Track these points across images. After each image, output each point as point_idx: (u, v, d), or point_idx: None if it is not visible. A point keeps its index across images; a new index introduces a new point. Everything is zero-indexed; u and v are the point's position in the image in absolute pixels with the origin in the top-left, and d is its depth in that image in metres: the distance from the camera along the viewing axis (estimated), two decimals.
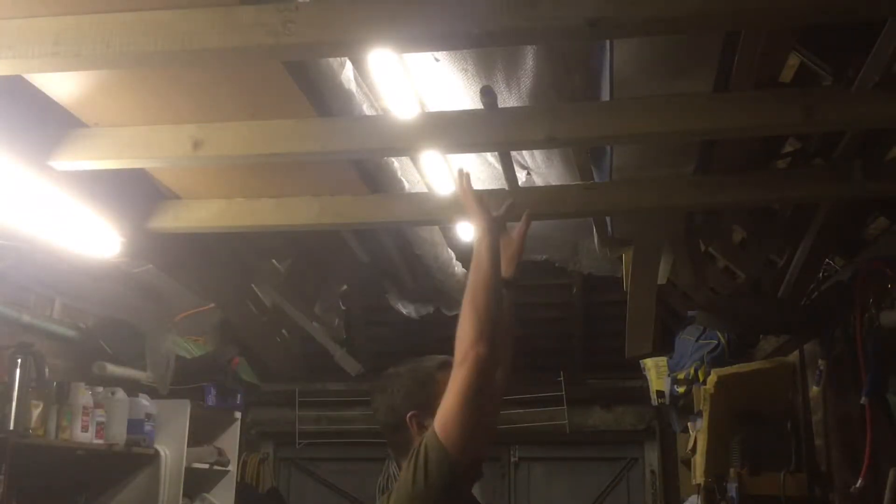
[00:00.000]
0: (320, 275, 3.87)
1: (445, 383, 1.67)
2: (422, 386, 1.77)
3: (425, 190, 2.89)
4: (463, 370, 1.57)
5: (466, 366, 1.56)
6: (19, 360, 3.14)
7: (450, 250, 3.73)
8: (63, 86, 2.10)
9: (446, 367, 1.72)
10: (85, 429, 3.44)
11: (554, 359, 5.48)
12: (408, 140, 2.19)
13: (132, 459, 3.83)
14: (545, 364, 5.41)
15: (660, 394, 4.15)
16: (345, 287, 4.21)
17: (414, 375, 1.81)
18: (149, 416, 3.83)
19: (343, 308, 4.29)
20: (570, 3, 1.56)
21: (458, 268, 3.84)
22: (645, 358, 4.21)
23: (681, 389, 3.83)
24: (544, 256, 4.26)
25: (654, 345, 3.74)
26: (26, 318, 3.44)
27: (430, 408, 1.70)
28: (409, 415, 1.73)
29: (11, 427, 3.02)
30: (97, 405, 3.55)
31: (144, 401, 3.83)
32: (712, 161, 2.48)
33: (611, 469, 5.58)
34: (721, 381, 3.30)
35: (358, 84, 2.22)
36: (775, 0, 1.54)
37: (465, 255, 3.81)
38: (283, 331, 4.16)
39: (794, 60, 2.37)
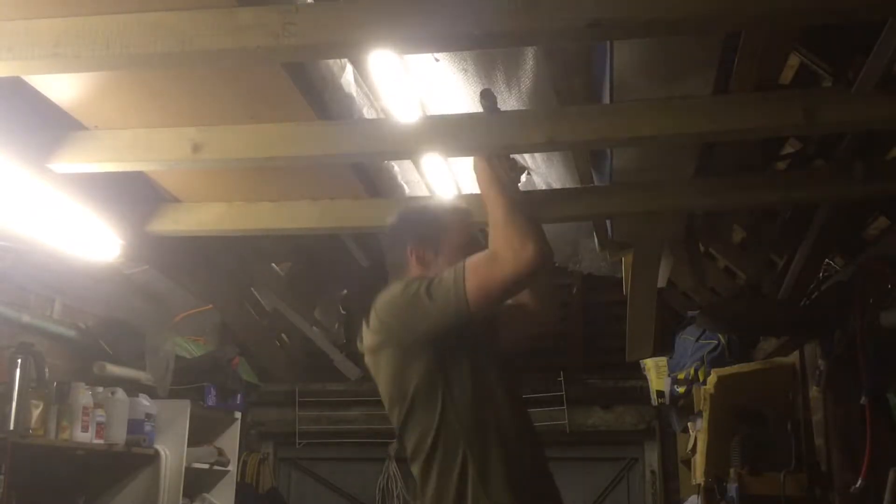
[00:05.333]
0: (320, 279, 3.87)
1: (452, 223, 1.82)
2: (433, 225, 1.87)
3: (425, 193, 2.89)
4: (518, 263, 1.61)
5: (523, 263, 1.61)
6: (19, 360, 3.14)
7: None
8: (63, 88, 2.10)
9: (455, 210, 1.87)
10: (85, 429, 3.44)
11: (554, 359, 5.47)
12: (408, 144, 2.19)
13: (132, 459, 3.83)
14: (545, 364, 5.41)
15: (660, 394, 4.15)
16: (344, 291, 4.21)
17: (421, 212, 1.95)
18: (149, 416, 3.84)
19: (343, 312, 4.28)
20: (571, 4, 1.56)
21: None
22: (645, 358, 4.21)
23: (681, 389, 3.83)
24: None
25: (654, 347, 3.74)
26: (26, 318, 3.44)
27: (431, 242, 1.82)
28: (410, 247, 1.83)
29: (11, 427, 3.02)
30: (97, 405, 3.55)
31: (144, 401, 3.83)
32: (713, 163, 2.48)
33: (611, 469, 5.57)
34: (721, 382, 3.30)
35: (358, 85, 2.22)
36: (775, 1, 1.54)
37: None
38: (283, 335, 4.16)
39: (794, 61, 2.37)
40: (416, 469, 1.76)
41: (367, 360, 1.82)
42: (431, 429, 1.68)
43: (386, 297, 1.75)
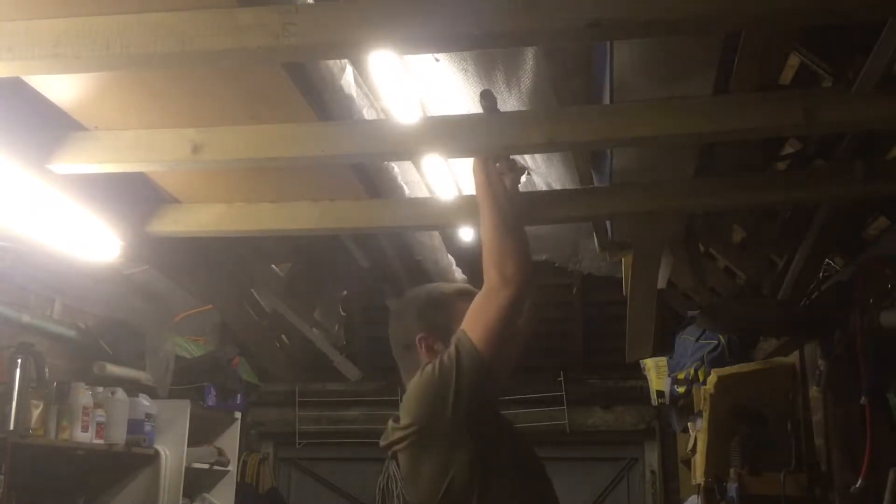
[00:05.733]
0: (320, 280, 3.87)
1: (462, 311, 1.71)
2: (436, 309, 1.80)
3: (425, 194, 2.89)
4: (507, 291, 1.62)
5: (511, 288, 1.62)
6: (19, 360, 3.14)
7: (450, 256, 3.73)
8: (63, 88, 2.10)
9: (465, 295, 1.76)
10: (85, 429, 3.44)
11: (554, 359, 5.47)
12: (408, 144, 2.19)
13: (132, 459, 3.84)
14: (545, 364, 5.41)
15: (660, 394, 4.15)
16: (345, 292, 4.21)
17: (430, 298, 1.85)
18: (149, 416, 3.84)
19: (343, 313, 4.28)
20: (571, 4, 1.56)
21: (459, 273, 3.84)
22: (645, 358, 4.21)
23: (681, 389, 3.83)
24: (544, 256, 4.26)
25: (654, 347, 3.75)
26: (26, 318, 3.44)
27: (441, 331, 1.74)
28: (419, 336, 1.76)
29: (11, 427, 3.02)
30: (97, 405, 3.55)
31: (144, 401, 3.84)
32: (713, 163, 2.48)
33: (611, 469, 5.58)
34: (721, 382, 3.30)
35: (358, 86, 2.22)
36: (775, 1, 1.54)
37: (465, 261, 3.81)
38: (283, 336, 4.15)
39: (794, 61, 2.37)
40: None
41: (402, 461, 1.72)
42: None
43: (409, 392, 1.69)
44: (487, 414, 1.67)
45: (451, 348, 1.62)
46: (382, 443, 1.73)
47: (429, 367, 1.64)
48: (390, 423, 1.72)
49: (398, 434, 1.67)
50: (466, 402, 1.59)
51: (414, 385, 1.67)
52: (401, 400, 1.73)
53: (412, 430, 1.64)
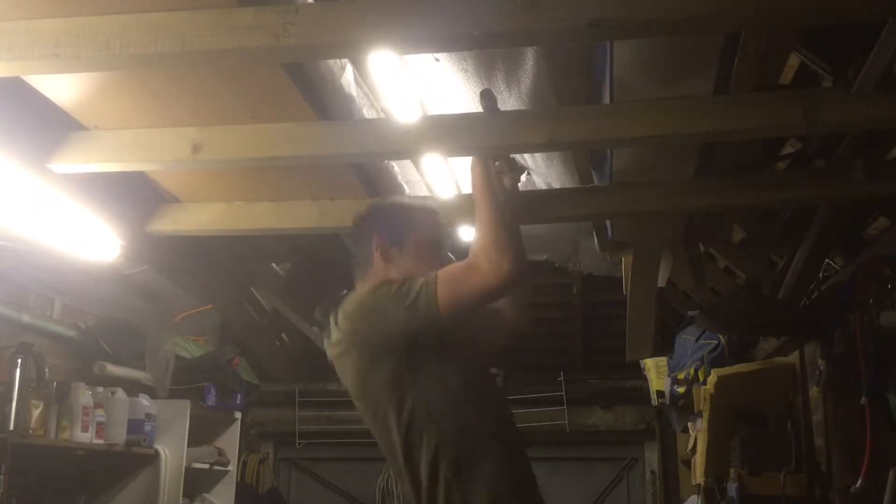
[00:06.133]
0: (320, 279, 3.87)
1: (419, 221, 1.82)
2: (392, 215, 1.88)
3: (425, 193, 2.89)
4: (488, 277, 1.63)
5: (498, 277, 1.63)
6: (19, 360, 3.14)
7: (450, 254, 3.72)
8: (63, 88, 2.10)
9: (423, 209, 1.86)
10: (85, 429, 3.44)
11: (554, 359, 5.47)
12: (408, 144, 2.19)
13: (132, 459, 3.83)
14: (545, 364, 5.41)
15: (660, 394, 4.15)
16: (345, 291, 4.20)
17: (389, 205, 1.95)
18: (149, 416, 3.84)
19: None
20: (571, 4, 1.56)
21: None
22: (645, 358, 4.21)
23: (681, 389, 3.82)
24: (544, 256, 4.26)
25: (654, 347, 3.74)
26: (26, 318, 3.44)
27: (396, 235, 1.81)
28: (375, 236, 1.82)
29: (11, 427, 3.02)
30: (97, 405, 3.55)
31: (144, 401, 3.83)
32: (713, 163, 2.48)
33: (611, 469, 5.57)
34: (721, 382, 3.30)
35: (358, 86, 2.22)
36: (776, 1, 1.54)
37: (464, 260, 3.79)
38: (283, 335, 4.16)
39: (794, 61, 2.37)
40: (393, 468, 1.76)
41: (335, 361, 1.81)
42: (402, 427, 1.68)
43: (355, 300, 1.76)
44: (430, 356, 1.70)
45: (416, 285, 1.65)
46: (327, 348, 1.81)
47: (386, 286, 1.70)
48: (331, 325, 1.79)
49: (339, 340, 1.75)
50: (403, 341, 1.67)
51: (366, 296, 1.73)
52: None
53: (350, 340, 1.72)
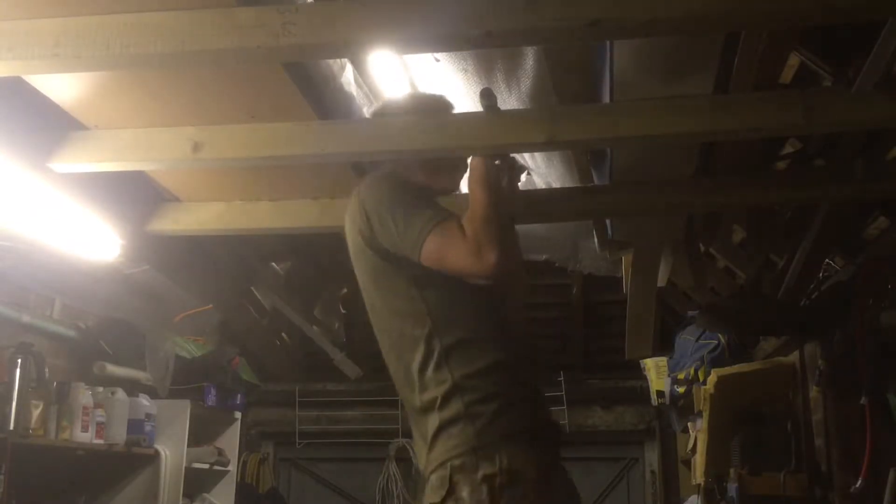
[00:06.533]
0: (320, 278, 3.86)
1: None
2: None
3: None
4: (470, 259, 1.64)
5: (476, 260, 1.64)
6: (19, 360, 3.14)
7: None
8: (63, 87, 2.10)
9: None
10: (85, 429, 3.44)
11: (554, 359, 5.48)
12: (408, 143, 2.18)
13: (132, 459, 3.83)
14: (545, 364, 5.41)
15: (660, 394, 4.15)
16: (345, 290, 4.20)
17: (421, 101, 2.03)
18: (149, 416, 3.84)
19: (343, 311, 4.28)
20: (570, 3, 1.56)
21: None
22: (645, 358, 4.21)
23: (681, 389, 3.83)
24: (544, 256, 4.26)
25: (654, 347, 3.74)
26: (26, 318, 3.44)
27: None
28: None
29: (11, 427, 3.02)
30: (97, 405, 3.55)
31: (144, 401, 3.83)
32: (713, 163, 2.48)
33: (611, 469, 5.58)
34: (721, 381, 3.30)
35: (358, 85, 2.22)
36: (776, 1, 1.54)
37: None
38: (283, 334, 4.15)
39: (794, 61, 2.37)
40: (392, 367, 1.78)
41: (353, 255, 1.83)
42: (408, 317, 1.71)
43: (374, 196, 1.77)
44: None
45: (418, 220, 1.67)
46: (351, 244, 1.82)
47: (400, 193, 1.76)
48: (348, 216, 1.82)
49: (354, 228, 1.78)
50: (388, 248, 1.71)
51: (383, 198, 1.74)
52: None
53: (366, 233, 1.74)
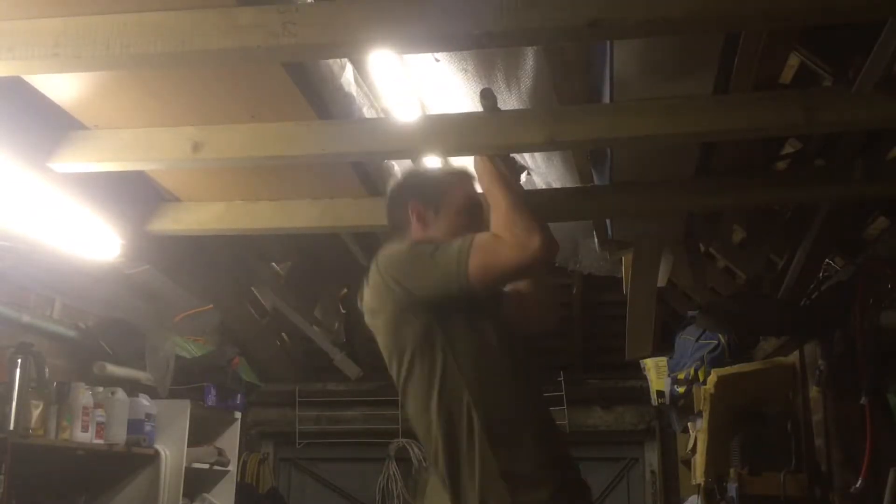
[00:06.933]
0: (320, 278, 3.87)
1: (453, 184, 1.84)
2: (427, 181, 1.91)
3: None
4: (518, 248, 1.64)
5: (524, 247, 1.64)
6: (19, 360, 3.14)
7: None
8: (63, 87, 2.10)
9: (456, 172, 1.87)
10: (85, 429, 3.44)
11: (554, 359, 5.48)
12: (408, 143, 2.19)
13: (132, 459, 3.83)
14: (545, 364, 5.41)
15: (660, 394, 4.15)
16: (345, 290, 4.21)
17: (422, 172, 1.99)
18: (149, 416, 3.84)
19: (343, 311, 4.28)
20: (570, 3, 1.56)
21: None
22: (645, 358, 4.21)
23: (681, 389, 3.82)
24: None
25: (654, 346, 3.74)
26: (26, 318, 3.44)
27: (434, 205, 1.82)
28: (410, 202, 1.84)
29: (11, 427, 3.02)
30: (97, 405, 3.55)
31: (144, 401, 3.83)
32: (712, 163, 2.47)
33: (611, 469, 5.58)
34: (721, 381, 3.30)
35: (358, 85, 2.22)
36: (776, 1, 1.54)
37: None
38: (283, 334, 4.16)
39: (794, 61, 2.37)
40: (420, 430, 1.75)
41: (367, 318, 1.82)
42: (434, 383, 1.69)
43: (389, 255, 1.76)
44: (462, 318, 1.71)
45: (452, 248, 1.66)
46: (360, 305, 1.83)
47: (422, 245, 1.72)
48: (364, 282, 1.79)
49: (371, 297, 1.76)
50: (437, 299, 1.68)
51: (402, 251, 1.74)
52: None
53: (383, 296, 1.73)
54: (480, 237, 1.67)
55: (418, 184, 1.91)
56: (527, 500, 1.63)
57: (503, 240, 1.66)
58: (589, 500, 1.84)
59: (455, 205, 1.87)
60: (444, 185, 1.87)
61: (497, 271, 1.66)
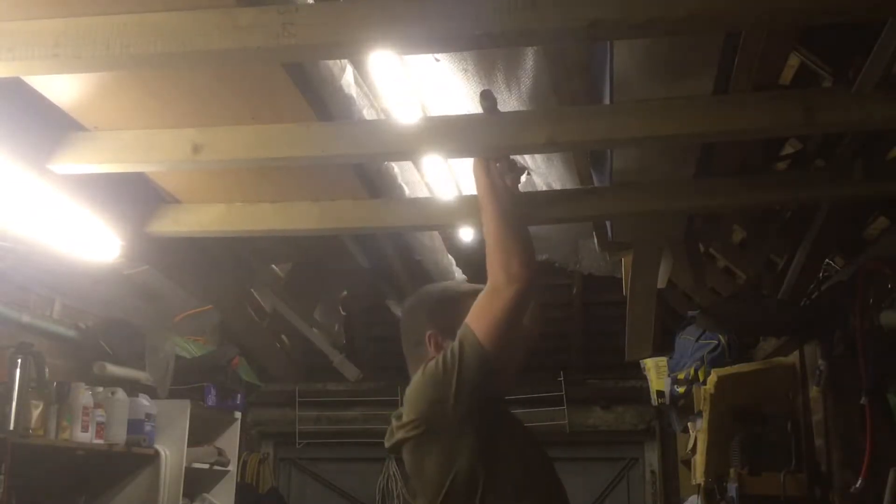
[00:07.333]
0: (320, 280, 3.86)
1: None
2: (447, 307, 1.82)
3: (426, 194, 2.89)
4: (512, 288, 1.63)
5: (516, 285, 1.63)
6: (19, 360, 3.14)
7: (450, 256, 3.73)
8: (63, 88, 2.10)
9: (475, 294, 1.76)
10: (85, 429, 3.44)
11: (554, 359, 5.48)
12: (408, 144, 2.19)
13: (132, 459, 3.83)
14: (545, 364, 5.41)
15: (660, 394, 4.15)
16: (345, 292, 4.21)
17: (442, 296, 1.88)
18: (149, 416, 3.84)
19: (343, 313, 4.28)
20: (571, 3, 1.56)
21: (459, 273, 3.84)
22: (645, 358, 4.21)
23: (681, 389, 3.82)
24: (544, 256, 4.26)
25: (654, 347, 3.74)
26: (26, 318, 3.44)
27: (451, 330, 1.74)
28: (429, 333, 1.78)
29: (11, 427, 3.02)
30: (97, 405, 3.55)
31: (144, 401, 3.83)
32: (713, 163, 2.48)
33: (611, 469, 5.58)
34: (721, 381, 3.30)
35: (358, 86, 2.22)
36: (775, 1, 1.54)
37: (465, 261, 3.81)
38: (283, 336, 4.15)
39: (794, 61, 2.37)
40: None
41: (407, 457, 1.74)
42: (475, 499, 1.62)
43: (411, 388, 1.71)
44: (492, 410, 1.67)
45: (455, 343, 1.64)
46: (388, 443, 1.75)
47: (431, 363, 1.66)
48: (393, 421, 1.74)
49: (401, 433, 1.69)
50: (469, 397, 1.61)
51: (417, 381, 1.69)
52: (401, 399, 1.74)
53: (416, 427, 1.66)
54: (473, 310, 1.66)
55: (436, 311, 1.82)
56: None
57: (494, 287, 1.64)
58: None
59: None
60: (462, 308, 1.76)
61: (504, 319, 1.63)
